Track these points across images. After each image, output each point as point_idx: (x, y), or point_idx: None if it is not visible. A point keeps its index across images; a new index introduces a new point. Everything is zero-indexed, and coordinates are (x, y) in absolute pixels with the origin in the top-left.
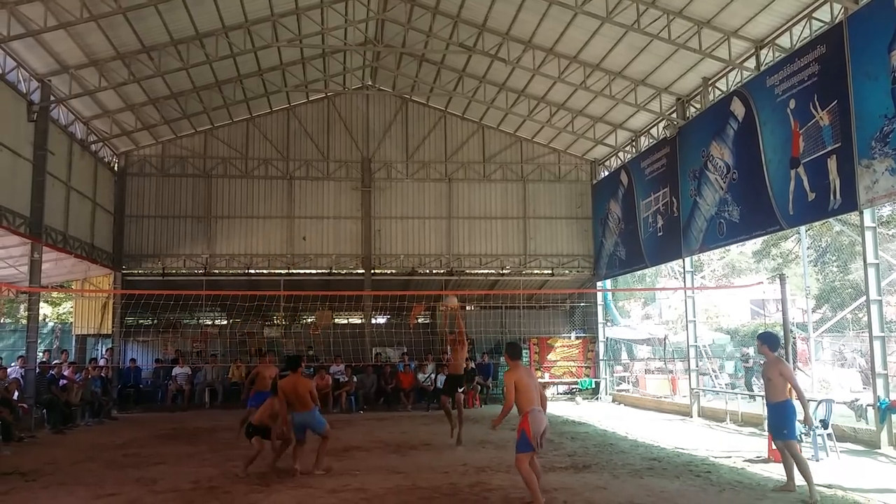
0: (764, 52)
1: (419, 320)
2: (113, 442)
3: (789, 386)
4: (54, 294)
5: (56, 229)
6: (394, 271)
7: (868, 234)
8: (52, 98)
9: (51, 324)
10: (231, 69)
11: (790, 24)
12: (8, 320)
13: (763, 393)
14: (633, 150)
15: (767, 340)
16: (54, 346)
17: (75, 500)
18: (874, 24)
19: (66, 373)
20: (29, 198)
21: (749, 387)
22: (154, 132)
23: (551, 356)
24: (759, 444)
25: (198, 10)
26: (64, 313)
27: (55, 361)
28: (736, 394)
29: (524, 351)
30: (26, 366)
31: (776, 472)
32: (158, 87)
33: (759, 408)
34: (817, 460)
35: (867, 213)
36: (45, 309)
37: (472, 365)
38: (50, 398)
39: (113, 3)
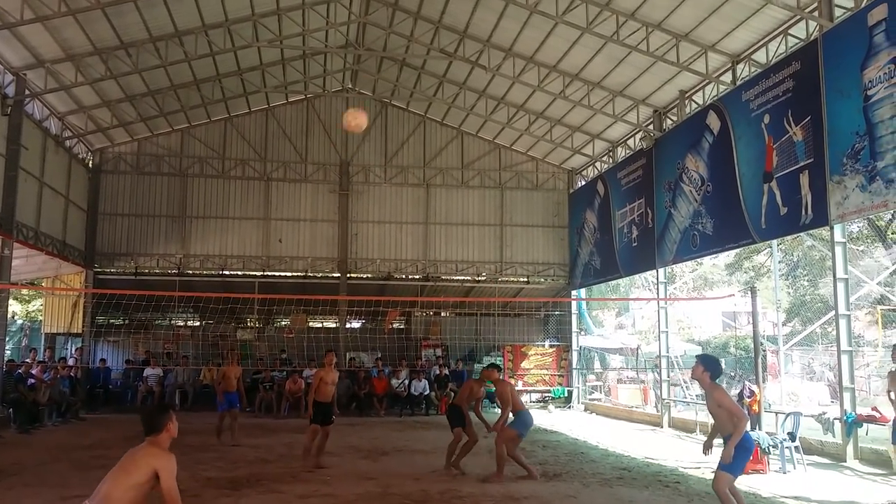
0: (740, 66)
1: (394, 325)
2: (80, 443)
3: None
4: (24, 291)
5: (27, 225)
6: (370, 276)
7: (838, 250)
8: (26, 92)
9: (20, 321)
10: (210, 68)
11: (766, 39)
12: None
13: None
14: (610, 161)
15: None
16: (23, 345)
17: (40, 501)
18: (848, 43)
19: (34, 372)
20: (0, 193)
21: None
22: (130, 129)
23: (525, 364)
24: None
25: (177, 8)
26: (33, 311)
27: (24, 360)
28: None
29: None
30: None
31: (744, 483)
32: (135, 84)
33: None
34: (784, 472)
35: (837, 229)
36: (14, 306)
37: (446, 371)
38: (17, 397)
39: None
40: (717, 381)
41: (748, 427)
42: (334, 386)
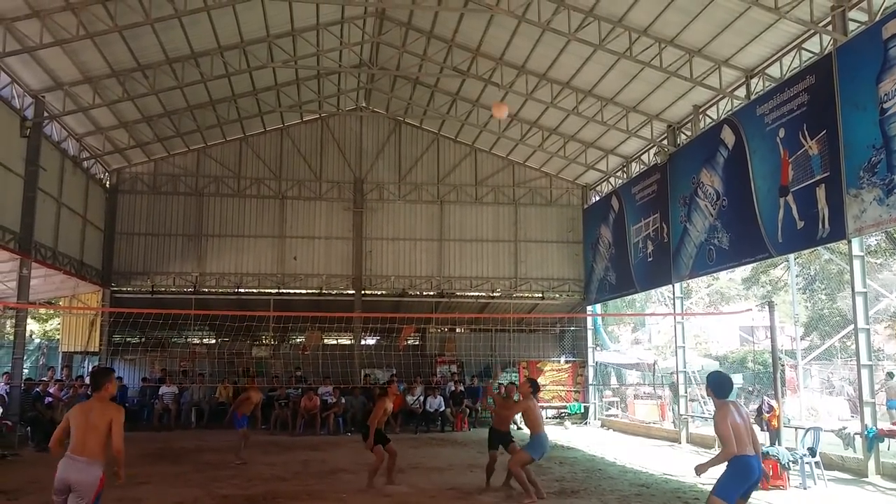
0: (754, 81)
1: (409, 342)
2: None
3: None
4: (42, 310)
5: (46, 245)
6: (384, 292)
7: (856, 263)
8: (45, 114)
9: (37, 340)
10: (225, 88)
11: (780, 54)
12: None
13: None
14: (625, 176)
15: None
16: (41, 363)
17: None
18: (862, 56)
19: (51, 390)
20: (19, 213)
21: None
22: (147, 150)
23: (540, 380)
24: None
25: (194, 30)
26: (51, 330)
27: (42, 378)
28: None
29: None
30: (11, 382)
31: (764, 499)
32: (152, 105)
33: None
34: (805, 488)
35: (855, 243)
36: (31, 325)
37: (462, 387)
38: (34, 415)
39: (109, 22)
40: (726, 398)
41: (759, 447)
42: (385, 416)
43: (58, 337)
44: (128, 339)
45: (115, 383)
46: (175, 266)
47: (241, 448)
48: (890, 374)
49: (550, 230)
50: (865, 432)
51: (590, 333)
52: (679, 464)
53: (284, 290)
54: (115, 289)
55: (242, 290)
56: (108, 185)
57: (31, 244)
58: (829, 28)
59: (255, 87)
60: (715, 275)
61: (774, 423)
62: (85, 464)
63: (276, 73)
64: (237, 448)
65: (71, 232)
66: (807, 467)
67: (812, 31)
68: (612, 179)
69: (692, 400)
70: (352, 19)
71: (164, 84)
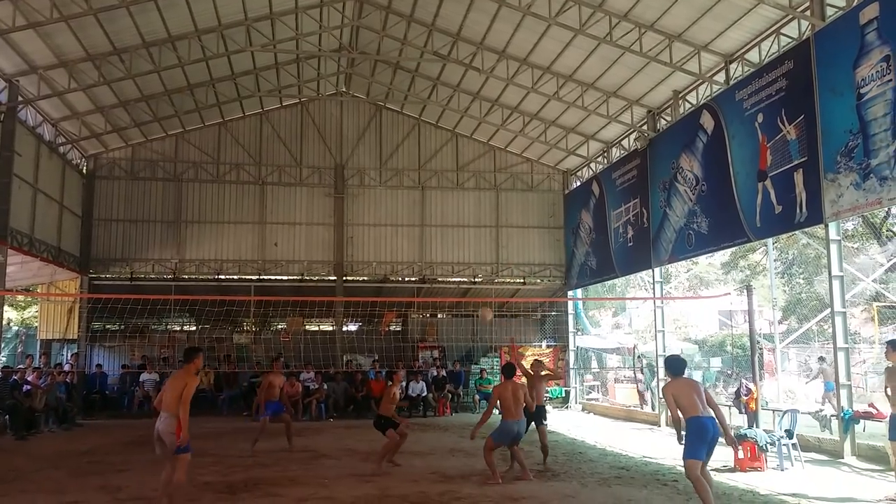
0: (733, 66)
1: (391, 328)
2: (77, 449)
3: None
4: (19, 298)
5: (22, 232)
6: (366, 278)
7: (833, 247)
8: (19, 99)
9: (15, 328)
10: (203, 73)
11: (759, 39)
12: None
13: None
14: (605, 161)
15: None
16: (19, 351)
17: None
18: (840, 41)
19: (29, 378)
20: None
21: None
22: (124, 135)
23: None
24: (726, 453)
25: (170, 13)
26: (29, 317)
27: (19, 366)
28: None
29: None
30: None
31: (742, 480)
32: (129, 90)
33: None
34: (782, 470)
35: (832, 227)
36: (9, 313)
37: (444, 373)
38: (13, 404)
39: (84, 4)
40: (679, 375)
41: (718, 412)
42: (394, 403)
43: (36, 324)
44: (107, 326)
45: (202, 357)
46: (154, 252)
47: (256, 439)
48: (822, 359)
49: (532, 215)
50: (841, 414)
51: (571, 318)
52: (659, 446)
53: (265, 276)
54: (94, 275)
55: (223, 277)
56: (84, 171)
57: (7, 231)
58: (808, 13)
59: (233, 72)
60: (694, 259)
61: (752, 405)
62: (165, 416)
63: (254, 58)
64: (253, 438)
65: (48, 218)
66: (784, 449)
67: (790, 17)
68: (592, 165)
69: None
70: (331, 2)
71: (141, 68)
